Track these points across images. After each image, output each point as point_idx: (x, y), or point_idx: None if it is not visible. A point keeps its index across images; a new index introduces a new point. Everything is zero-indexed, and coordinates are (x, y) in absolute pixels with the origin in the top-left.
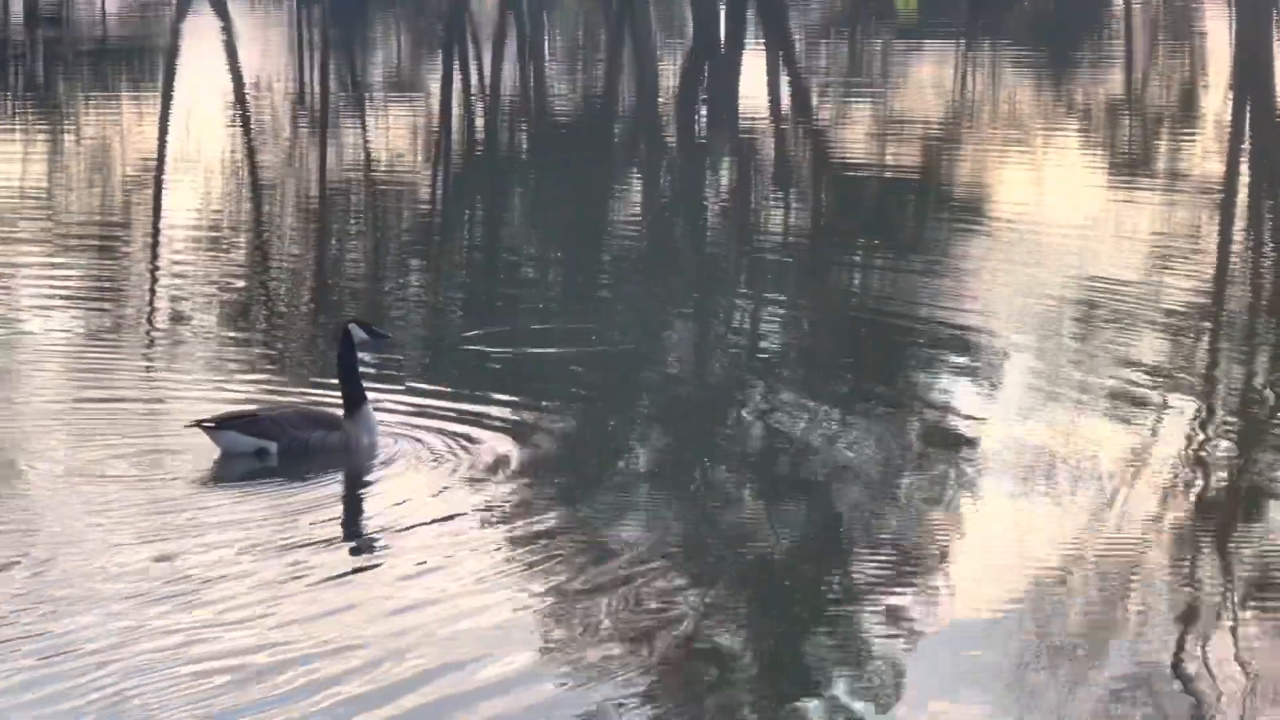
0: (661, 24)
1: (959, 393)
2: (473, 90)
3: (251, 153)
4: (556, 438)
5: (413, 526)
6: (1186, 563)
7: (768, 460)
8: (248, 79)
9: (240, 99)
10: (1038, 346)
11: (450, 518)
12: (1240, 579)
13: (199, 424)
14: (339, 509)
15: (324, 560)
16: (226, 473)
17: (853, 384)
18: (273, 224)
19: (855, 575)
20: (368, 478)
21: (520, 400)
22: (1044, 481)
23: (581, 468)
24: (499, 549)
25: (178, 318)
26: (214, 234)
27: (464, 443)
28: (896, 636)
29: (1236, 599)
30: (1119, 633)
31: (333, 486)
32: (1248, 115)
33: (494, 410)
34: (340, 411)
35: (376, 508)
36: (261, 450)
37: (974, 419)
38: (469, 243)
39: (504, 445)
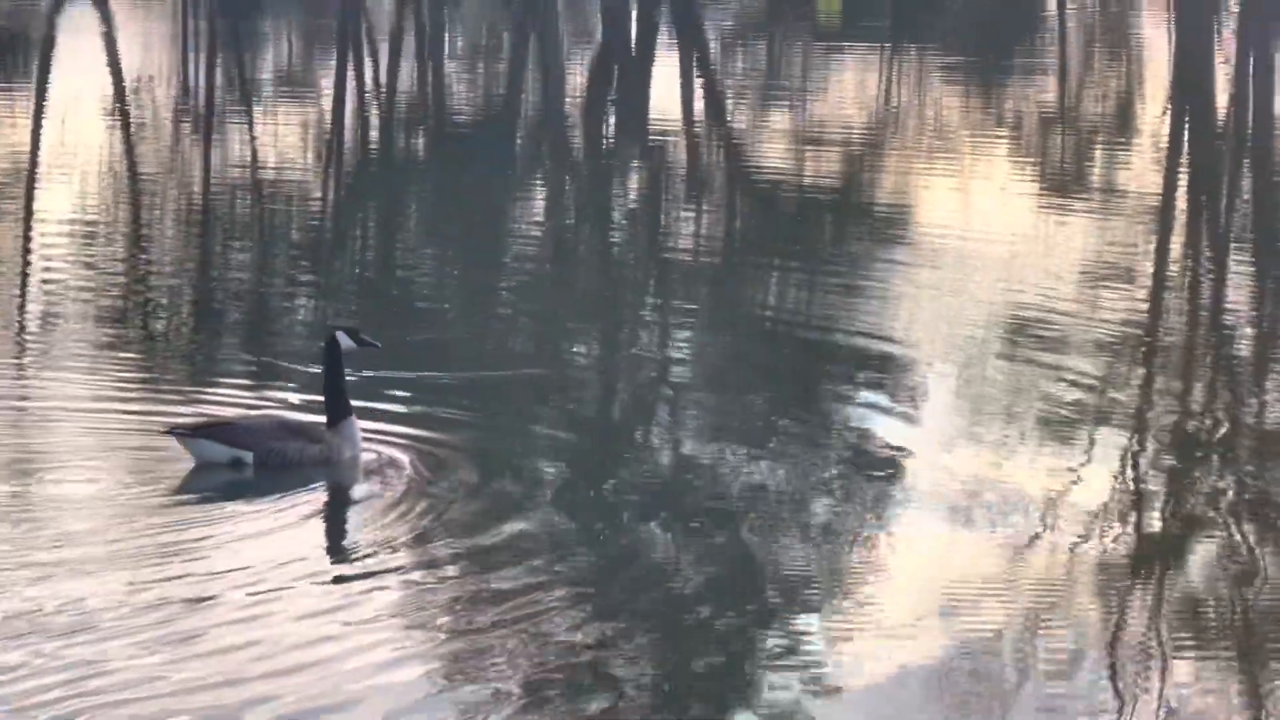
0: (569, 23)
1: (879, 416)
2: (368, 90)
3: (130, 153)
4: (457, 462)
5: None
6: (1114, 594)
7: (679, 487)
8: (128, 74)
9: (120, 96)
10: (963, 368)
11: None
12: (1169, 610)
13: (173, 432)
14: (267, 533)
15: (209, 589)
16: (190, 484)
17: (768, 406)
18: (151, 229)
19: (768, 607)
20: (336, 495)
21: (416, 422)
22: (967, 509)
23: (481, 496)
24: (380, 582)
25: (42, 324)
26: (88, 239)
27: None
28: (807, 669)
29: (1164, 631)
30: (1042, 664)
31: (287, 505)
32: (1186, 129)
33: (391, 432)
34: (324, 422)
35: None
36: (236, 460)
37: (895, 443)
38: (359, 253)
39: (392, 472)
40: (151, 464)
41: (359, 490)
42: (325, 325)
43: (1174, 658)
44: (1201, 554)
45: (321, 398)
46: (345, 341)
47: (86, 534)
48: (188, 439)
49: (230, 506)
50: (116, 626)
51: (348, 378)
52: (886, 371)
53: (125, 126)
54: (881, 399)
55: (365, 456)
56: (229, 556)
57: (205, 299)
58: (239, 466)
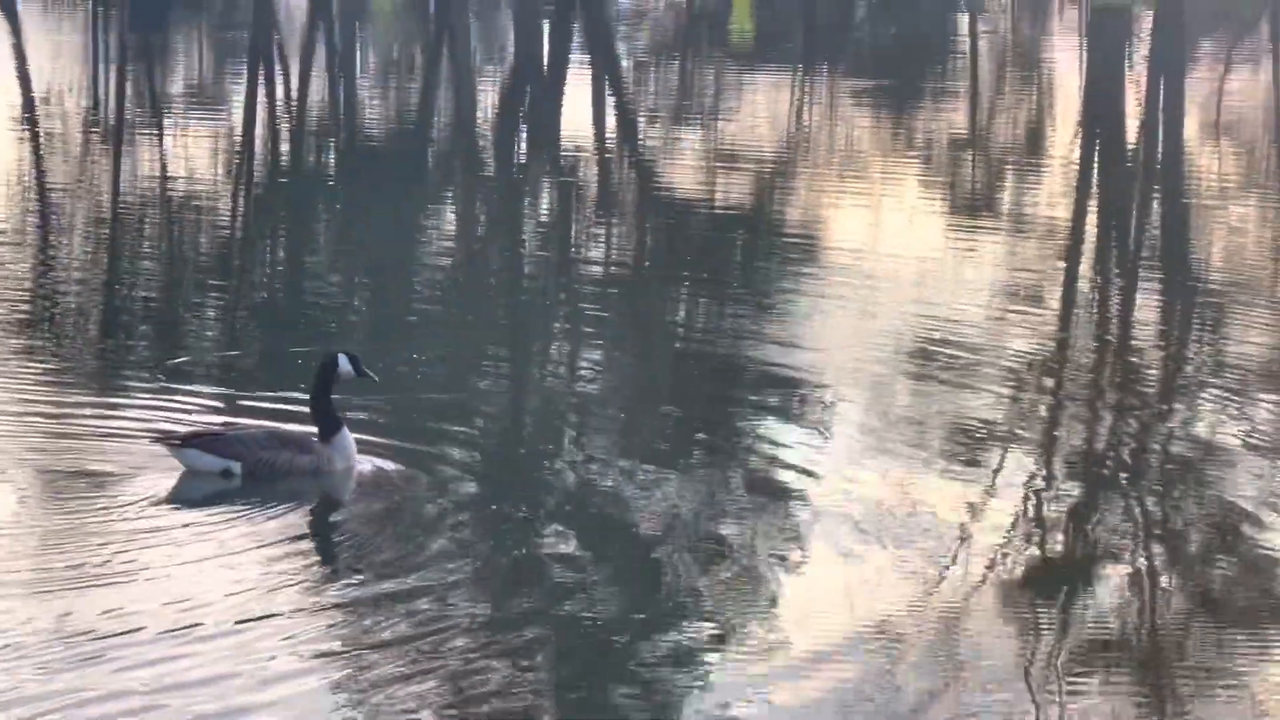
0: (481, 42)
1: (787, 438)
2: (279, 106)
3: (38, 165)
4: (361, 490)
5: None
6: (1018, 617)
7: (585, 507)
8: (37, 86)
9: (29, 107)
10: (871, 390)
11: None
12: (1072, 633)
13: (163, 441)
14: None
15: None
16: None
17: (676, 427)
18: (57, 241)
19: (672, 635)
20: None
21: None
22: (872, 530)
23: (385, 523)
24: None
25: None
26: None
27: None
28: (709, 689)
29: (1067, 654)
30: (944, 687)
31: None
32: (1097, 154)
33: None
34: (316, 434)
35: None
36: (226, 470)
37: (802, 465)
38: (267, 273)
39: (290, 501)
40: (43, 477)
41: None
42: (327, 346)
43: (1076, 681)
44: (1106, 577)
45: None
46: (345, 366)
47: None
48: (177, 448)
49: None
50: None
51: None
52: (795, 393)
53: (34, 138)
54: (789, 420)
55: (362, 468)
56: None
57: (108, 313)
58: (228, 476)
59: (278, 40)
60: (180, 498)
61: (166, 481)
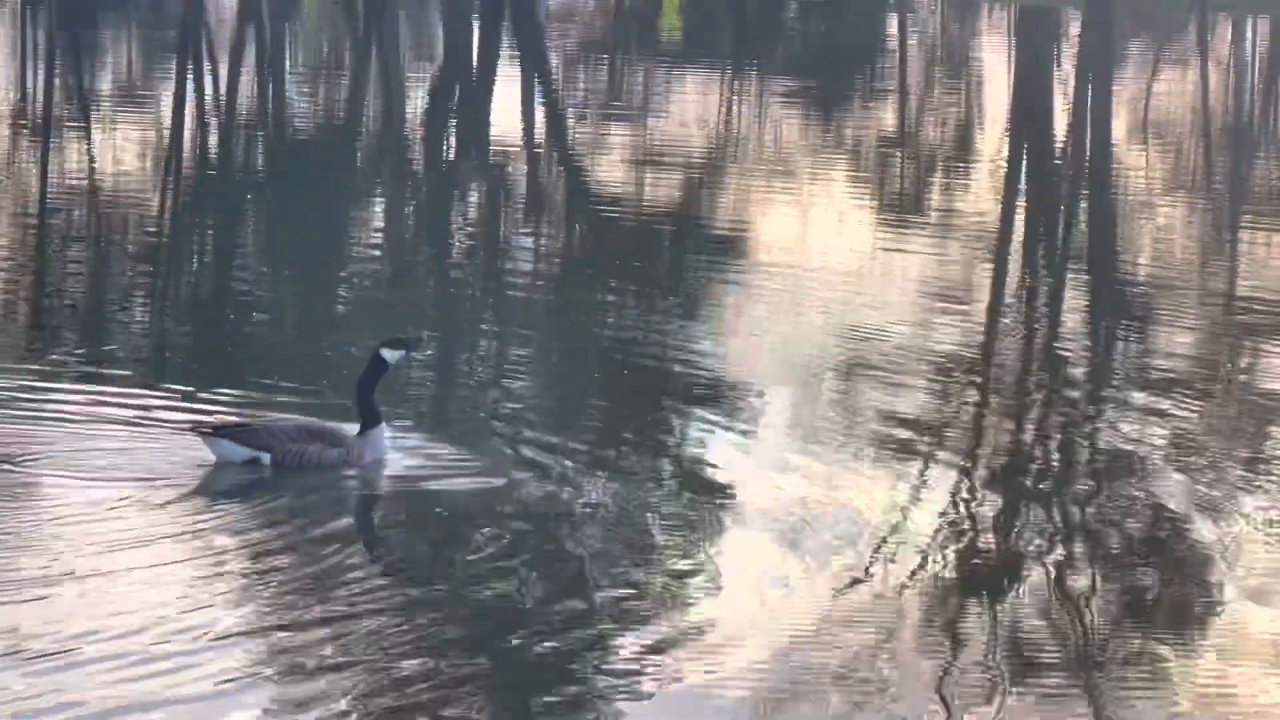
0: (410, 39)
1: (713, 439)
2: (208, 104)
3: None
4: (283, 500)
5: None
6: (944, 618)
7: (505, 511)
8: None
9: None
10: (798, 391)
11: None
12: (998, 635)
13: (196, 430)
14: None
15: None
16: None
17: (600, 429)
18: None
19: (592, 634)
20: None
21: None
22: (797, 534)
23: (314, 531)
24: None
25: None
26: None
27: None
28: (630, 691)
29: (993, 656)
30: (868, 688)
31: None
32: (1025, 154)
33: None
34: (354, 428)
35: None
36: (254, 460)
37: (727, 467)
38: (193, 273)
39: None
40: None
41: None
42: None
43: (1002, 683)
44: (1030, 577)
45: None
46: (391, 355)
47: None
48: (208, 438)
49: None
50: None
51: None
52: (721, 391)
53: None
54: (715, 419)
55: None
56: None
57: (32, 308)
58: (256, 466)
59: (207, 38)
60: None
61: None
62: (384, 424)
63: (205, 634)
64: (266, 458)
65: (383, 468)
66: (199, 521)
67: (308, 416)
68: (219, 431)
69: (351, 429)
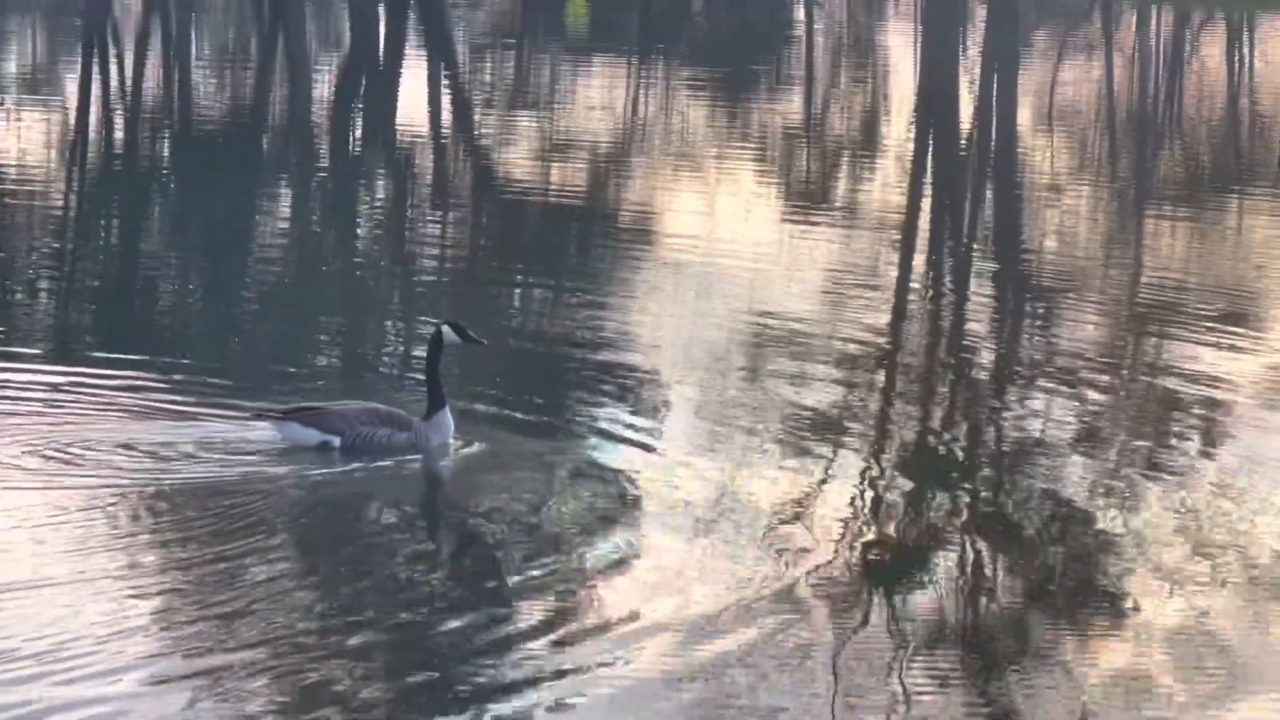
0: (317, 28)
1: (620, 429)
2: (113, 96)
3: None
4: (181, 498)
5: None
6: (846, 611)
7: (418, 498)
8: None
9: None
10: (704, 381)
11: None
12: (904, 622)
13: (265, 415)
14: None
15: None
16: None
17: (507, 418)
18: None
19: (496, 624)
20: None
21: (152, 450)
22: (704, 525)
23: (215, 528)
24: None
25: None
26: None
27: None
28: (537, 681)
29: (898, 643)
30: (776, 677)
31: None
32: (931, 144)
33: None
34: (422, 411)
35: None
36: (325, 444)
37: (634, 457)
38: (97, 261)
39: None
40: None
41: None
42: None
43: (907, 671)
44: (936, 566)
45: None
46: (449, 336)
47: None
48: (278, 421)
49: None
50: None
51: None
52: (627, 381)
53: None
54: (621, 409)
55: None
56: None
57: None
58: (326, 450)
59: (112, 26)
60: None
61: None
62: (447, 408)
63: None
64: (336, 441)
65: (448, 450)
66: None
67: (370, 401)
68: (289, 415)
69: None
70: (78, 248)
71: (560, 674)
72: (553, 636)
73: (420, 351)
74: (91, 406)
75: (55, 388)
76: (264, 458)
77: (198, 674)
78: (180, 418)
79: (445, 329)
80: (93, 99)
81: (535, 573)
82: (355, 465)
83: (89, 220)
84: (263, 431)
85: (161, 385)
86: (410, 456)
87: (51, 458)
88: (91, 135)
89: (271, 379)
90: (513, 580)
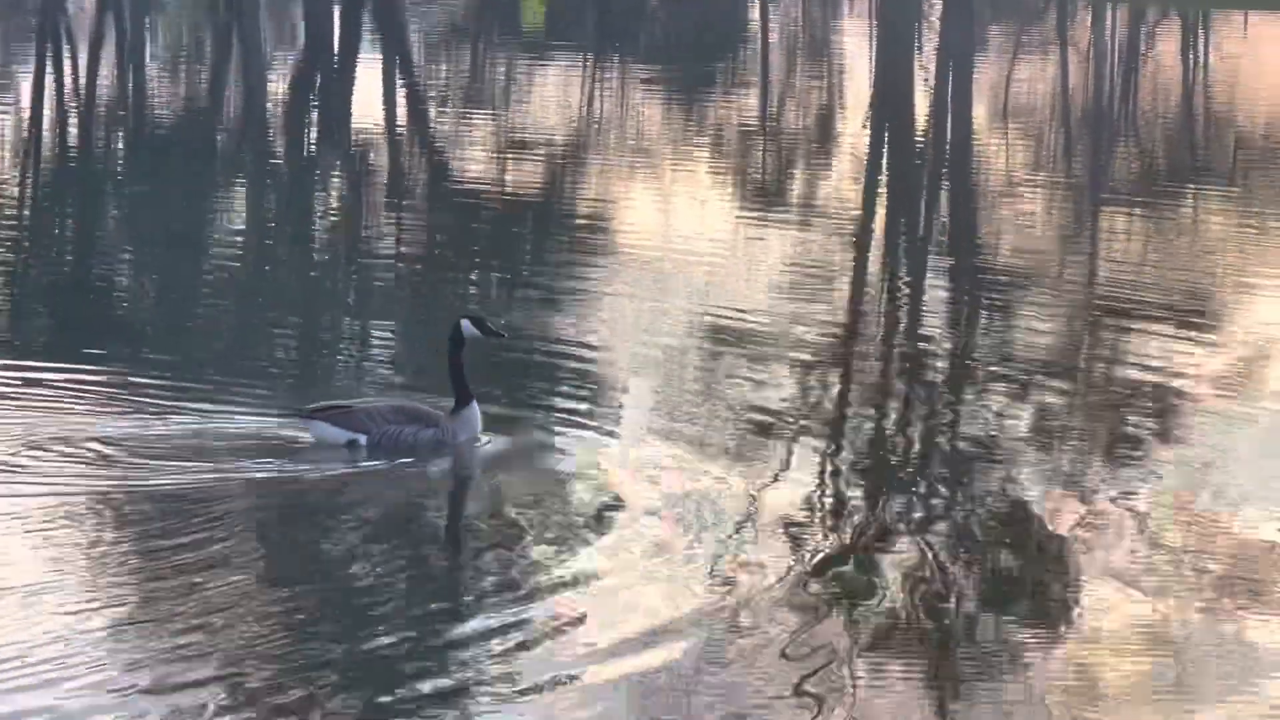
0: (272, 26)
1: (576, 429)
2: (66, 94)
3: None
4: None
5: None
6: (805, 610)
7: (365, 501)
8: None
9: None
10: (661, 381)
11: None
12: (860, 622)
13: (293, 413)
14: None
15: None
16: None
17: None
18: None
19: (454, 620)
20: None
21: (113, 446)
22: (661, 524)
23: (157, 526)
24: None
25: None
26: None
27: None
28: (491, 678)
29: (855, 642)
30: (731, 674)
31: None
32: (886, 142)
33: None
34: (446, 408)
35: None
36: (352, 442)
37: (589, 454)
38: (51, 258)
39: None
40: None
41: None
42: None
43: (863, 671)
44: (893, 565)
45: None
46: (469, 330)
47: None
48: (307, 420)
49: None
50: None
51: None
52: (583, 380)
53: None
54: (578, 407)
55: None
56: None
57: None
58: (353, 448)
59: (66, 24)
60: None
61: None
62: (474, 403)
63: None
64: (363, 439)
65: (476, 446)
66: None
67: (402, 398)
68: (316, 414)
69: (438, 409)
70: (32, 246)
71: (519, 676)
72: (506, 638)
73: (376, 346)
74: (42, 404)
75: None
76: (237, 457)
77: (194, 679)
78: (130, 414)
79: (464, 323)
80: (47, 98)
81: (484, 571)
82: (329, 464)
83: (42, 219)
84: (230, 427)
85: (111, 381)
86: (437, 453)
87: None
88: (45, 134)
89: (228, 375)
90: (460, 579)
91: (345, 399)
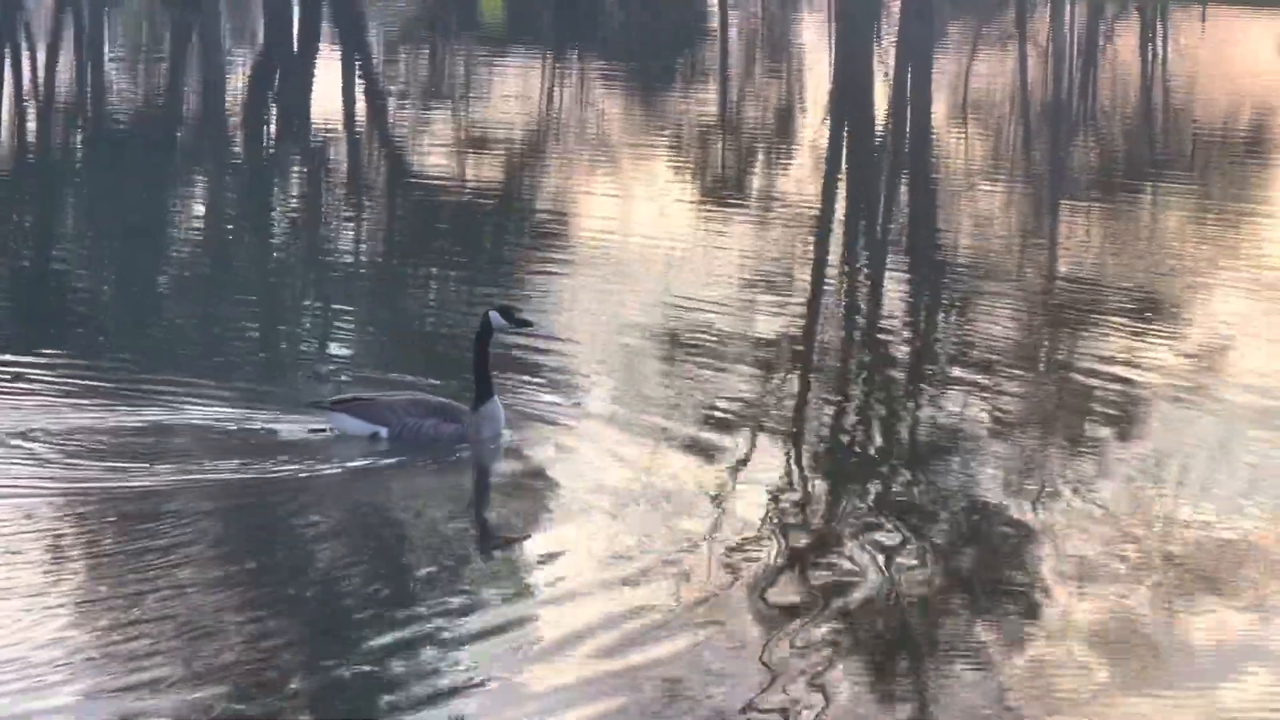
0: (231, 23)
1: (537, 424)
2: (25, 90)
3: None
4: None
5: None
6: (766, 605)
7: (328, 497)
8: None
9: None
10: (622, 377)
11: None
12: (818, 618)
13: (317, 404)
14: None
15: None
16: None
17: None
18: None
19: (414, 619)
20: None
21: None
22: (620, 519)
23: (107, 537)
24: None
25: None
26: None
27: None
28: (450, 673)
29: (814, 640)
30: (688, 670)
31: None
32: (845, 137)
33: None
34: (470, 402)
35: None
36: (374, 435)
37: (552, 452)
38: (8, 254)
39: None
40: None
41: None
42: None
43: (822, 664)
44: (854, 559)
45: None
46: (497, 321)
47: None
48: (329, 412)
49: None
50: None
51: None
52: (544, 375)
53: None
54: (539, 402)
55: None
56: None
57: None
58: (376, 440)
59: (24, 21)
60: None
61: None
62: (495, 398)
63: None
64: (385, 432)
65: (499, 441)
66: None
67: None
68: (338, 406)
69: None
70: None
71: (468, 668)
72: (464, 630)
73: (337, 341)
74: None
75: None
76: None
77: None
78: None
79: (492, 314)
80: (4, 94)
81: (447, 566)
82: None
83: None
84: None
85: (66, 374)
86: (461, 447)
87: None
88: (2, 131)
89: (190, 372)
90: (421, 574)
91: (337, 393)
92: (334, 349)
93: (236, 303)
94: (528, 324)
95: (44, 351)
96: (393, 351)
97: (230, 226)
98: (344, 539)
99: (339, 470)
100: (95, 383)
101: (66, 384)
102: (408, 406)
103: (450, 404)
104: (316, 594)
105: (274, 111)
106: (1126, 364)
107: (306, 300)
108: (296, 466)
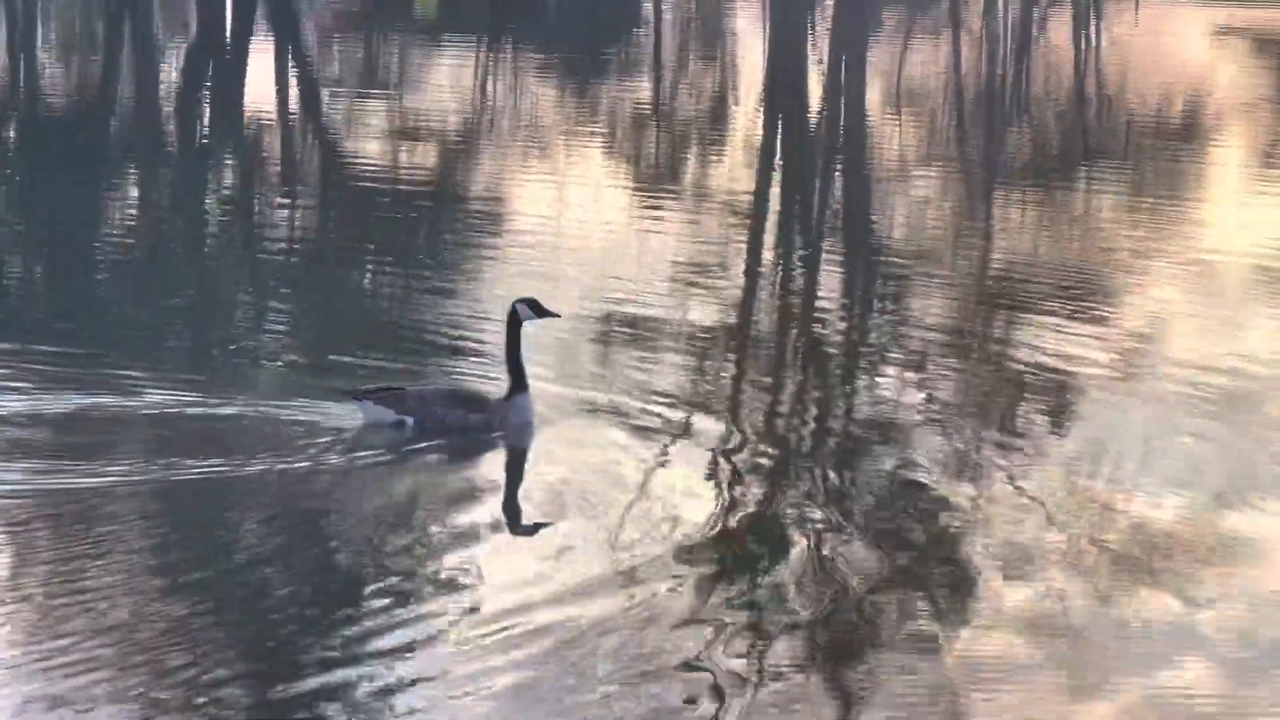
0: (164, 13)
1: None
2: None
3: None
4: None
5: None
6: (702, 597)
7: (277, 491)
8: None
9: None
10: (554, 368)
11: None
12: (758, 610)
13: (347, 392)
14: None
15: None
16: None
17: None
18: None
19: (352, 607)
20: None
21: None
22: (556, 511)
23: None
24: None
25: None
26: None
27: None
28: (392, 666)
29: (750, 632)
30: (627, 661)
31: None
32: (779, 127)
33: None
34: (502, 392)
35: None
36: (399, 423)
37: (485, 448)
38: None
39: None
40: None
41: None
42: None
43: (761, 656)
44: (791, 549)
45: None
46: (525, 313)
47: None
48: (357, 400)
49: None
50: None
51: None
52: (477, 367)
53: None
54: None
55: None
56: None
57: None
58: (401, 429)
59: None
60: None
61: None
62: (529, 390)
63: None
64: (412, 421)
65: (528, 433)
66: None
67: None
68: (366, 394)
69: (491, 394)
70: None
71: (414, 670)
72: (405, 620)
73: (267, 338)
74: None
75: None
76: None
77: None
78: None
79: (519, 306)
80: None
81: (387, 568)
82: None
83: None
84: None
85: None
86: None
87: None
88: None
89: (121, 363)
90: (361, 571)
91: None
92: (266, 342)
93: (169, 292)
94: (554, 316)
95: None
96: (328, 336)
97: (161, 217)
98: (283, 538)
99: (310, 464)
100: (28, 370)
101: None
102: (436, 396)
103: (480, 394)
104: (260, 594)
105: (207, 103)
106: (1060, 350)
107: (240, 289)
108: (272, 461)
